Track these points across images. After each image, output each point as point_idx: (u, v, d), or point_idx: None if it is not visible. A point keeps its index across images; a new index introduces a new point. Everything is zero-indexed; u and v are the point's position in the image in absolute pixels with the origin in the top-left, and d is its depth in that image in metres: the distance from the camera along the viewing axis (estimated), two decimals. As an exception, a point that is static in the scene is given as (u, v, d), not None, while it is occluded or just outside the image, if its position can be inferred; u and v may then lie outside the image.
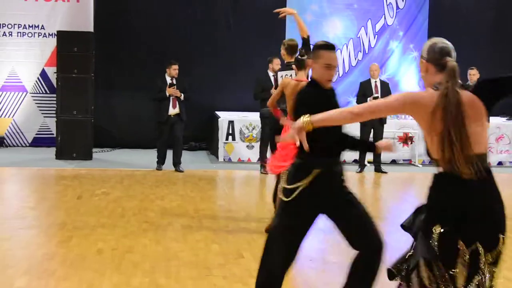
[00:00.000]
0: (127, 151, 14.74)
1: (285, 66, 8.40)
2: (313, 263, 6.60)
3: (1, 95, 14.91)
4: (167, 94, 12.10)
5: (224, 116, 13.88)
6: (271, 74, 12.17)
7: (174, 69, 12.25)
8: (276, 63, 12.11)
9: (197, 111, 14.25)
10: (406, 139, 13.82)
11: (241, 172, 12.53)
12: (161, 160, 12.42)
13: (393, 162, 13.89)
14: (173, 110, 12.18)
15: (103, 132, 14.82)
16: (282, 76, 8.14)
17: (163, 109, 12.18)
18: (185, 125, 12.49)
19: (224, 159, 13.53)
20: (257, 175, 12.22)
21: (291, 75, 7.88)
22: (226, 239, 7.37)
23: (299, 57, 7.55)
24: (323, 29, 15.78)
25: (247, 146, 13.58)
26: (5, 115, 14.95)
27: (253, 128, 13.56)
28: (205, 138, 15.27)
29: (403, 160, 14.02)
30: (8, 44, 14.87)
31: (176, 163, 12.32)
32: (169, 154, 12.32)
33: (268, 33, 15.04)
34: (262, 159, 12.29)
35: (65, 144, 13.33)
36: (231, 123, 13.60)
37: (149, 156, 13.16)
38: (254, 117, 13.18)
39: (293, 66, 7.73)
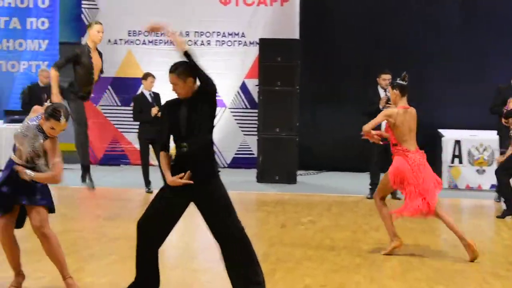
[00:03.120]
0: (336, 174, 14.89)
1: None
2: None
3: (198, 110, 15.64)
4: (380, 107, 12.12)
5: (449, 135, 13.71)
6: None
7: (384, 79, 12.26)
8: None
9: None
10: None
11: (469, 201, 12.29)
12: (375, 187, 12.38)
13: None
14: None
15: (308, 152, 14.98)
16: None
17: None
18: (403, 144, 12.43)
19: (449, 185, 13.35)
20: (491, 205, 11.95)
21: None
22: (453, 280, 7.27)
23: (402, 82, 8.22)
24: None
25: (477, 170, 13.30)
26: (204, 133, 15.63)
27: (485, 150, 13.26)
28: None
29: None
30: (207, 54, 15.45)
31: (394, 189, 12.29)
32: (384, 178, 12.28)
33: (508, 35, 14.60)
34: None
35: (267, 166, 13.74)
36: (457, 143, 13.41)
37: (362, 180, 13.20)
38: (485, 136, 12.95)
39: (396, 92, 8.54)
